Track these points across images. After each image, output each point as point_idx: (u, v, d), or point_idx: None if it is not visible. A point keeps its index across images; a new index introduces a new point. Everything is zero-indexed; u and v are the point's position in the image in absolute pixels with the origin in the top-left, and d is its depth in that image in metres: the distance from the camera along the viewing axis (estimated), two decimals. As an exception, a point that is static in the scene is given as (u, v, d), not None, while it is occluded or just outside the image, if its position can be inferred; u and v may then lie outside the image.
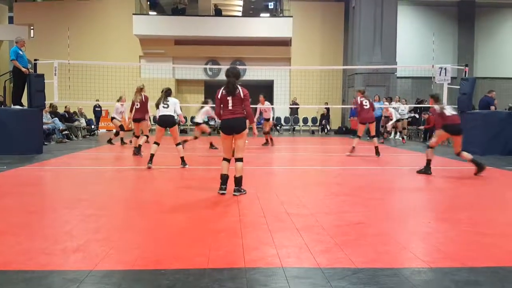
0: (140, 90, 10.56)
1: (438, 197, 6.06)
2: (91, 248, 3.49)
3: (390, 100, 18.32)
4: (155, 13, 25.32)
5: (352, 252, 3.41)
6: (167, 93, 8.58)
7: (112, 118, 13.90)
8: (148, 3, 25.08)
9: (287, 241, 3.74)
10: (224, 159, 5.84)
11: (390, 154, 11.41)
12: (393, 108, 16.37)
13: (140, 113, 10.57)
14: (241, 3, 28.03)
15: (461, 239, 3.90)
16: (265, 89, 24.11)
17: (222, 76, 24.10)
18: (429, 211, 5.03)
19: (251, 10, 28.46)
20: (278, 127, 22.69)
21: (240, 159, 5.75)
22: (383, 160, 10.34)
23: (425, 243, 3.79)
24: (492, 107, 12.81)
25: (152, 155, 8.28)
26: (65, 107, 17.71)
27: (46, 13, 23.45)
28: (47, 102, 12.38)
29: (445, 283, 2.87)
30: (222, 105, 5.74)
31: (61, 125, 15.24)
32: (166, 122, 8.45)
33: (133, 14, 22.63)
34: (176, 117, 8.70)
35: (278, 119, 23.53)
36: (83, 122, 18.39)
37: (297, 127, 23.04)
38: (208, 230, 4.04)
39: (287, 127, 23.39)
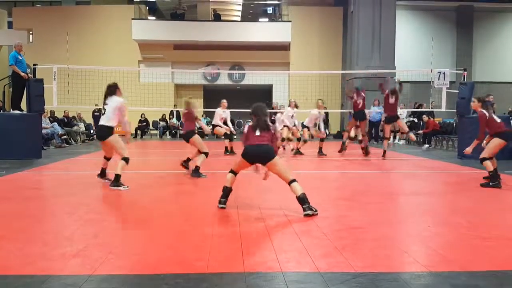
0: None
1: (438, 201, 6.06)
2: (90, 253, 3.48)
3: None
4: (154, 18, 25.40)
5: (352, 257, 3.41)
6: (110, 90, 6.52)
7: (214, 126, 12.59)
8: (147, 8, 25.17)
9: (287, 245, 3.73)
10: (232, 171, 5.20)
11: (389, 158, 11.40)
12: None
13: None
14: (240, 8, 28.10)
15: (461, 243, 3.90)
16: (264, 94, 24.23)
17: (220, 81, 24.43)
18: (429, 215, 5.03)
19: (250, 15, 28.53)
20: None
21: (292, 181, 4.95)
22: (382, 164, 10.35)
23: (424, 247, 3.78)
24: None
25: (117, 176, 6.54)
26: (64, 111, 17.73)
27: (45, 18, 23.52)
28: (46, 107, 12.39)
29: (444, 287, 2.86)
30: (248, 134, 5.09)
31: (60, 130, 15.24)
32: (99, 133, 6.68)
33: (132, 19, 22.72)
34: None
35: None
36: (82, 127, 18.40)
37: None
38: (208, 235, 4.04)
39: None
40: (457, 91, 11.96)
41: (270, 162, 4.95)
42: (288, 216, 4.78)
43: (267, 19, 26.18)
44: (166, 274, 3.03)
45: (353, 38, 20.89)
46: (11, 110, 11.24)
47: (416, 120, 18.16)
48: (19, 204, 5.41)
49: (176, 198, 6.15)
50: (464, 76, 12.23)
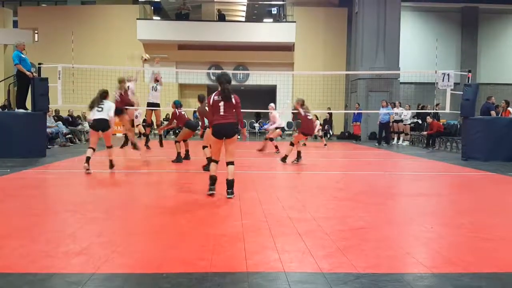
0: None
1: (440, 202, 6.04)
2: (93, 251, 3.50)
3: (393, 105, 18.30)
4: (158, 18, 25.42)
5: (355, 257, 3.41)
6: (102, 95, 8.55)
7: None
8: (152, 8, 25.21)
9: (290, 245, 3.73)
10: (213, 161, 5.98)
11: (392, 160, 11.39)
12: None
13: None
14: (245, 8, 28.12)
15: (464, 244, 3.89)
16: (268, 94, 24.22)
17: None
18: (431, 216, 5.02)
19: (254, 15, 28.54)
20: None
21: (231, 163, 5.83)
22: (385, 165, 10.33)
23: (427, 248, 3.78)
24: (493, 113, 12.77)
25: (88, 158, 8.16)
26: (69, 111, 17.79)
27: (50, 17, 23.61)
28: (51, 106, 12.43)
29: (447, 288, 2.86)
30: (213, 111, 5.87)
31: (64, 129, 15.29)
32: (100, 125, 8.37)
33: (137, 19, 22.75)
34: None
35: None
36: (86, 126, 18.43)
37: (299, 132, 23.04)
38: (211, 234, 4.04)
39: (289, 132, 23.41)
40: (461, 92, 11.91)
41: (232, 138, 5.84)
42: (291, 216, 4.78)
43: (271, 20, 26.14)
44: (168, 273, 3.04)
45: (358, 38, 20.85)
46: (16, 109, 11.29)
47: (420, 122, 18.10)
48: (23, 202, 5.44)
49: (178, 197, 6.16)
50: (468, 77, 12.17)
